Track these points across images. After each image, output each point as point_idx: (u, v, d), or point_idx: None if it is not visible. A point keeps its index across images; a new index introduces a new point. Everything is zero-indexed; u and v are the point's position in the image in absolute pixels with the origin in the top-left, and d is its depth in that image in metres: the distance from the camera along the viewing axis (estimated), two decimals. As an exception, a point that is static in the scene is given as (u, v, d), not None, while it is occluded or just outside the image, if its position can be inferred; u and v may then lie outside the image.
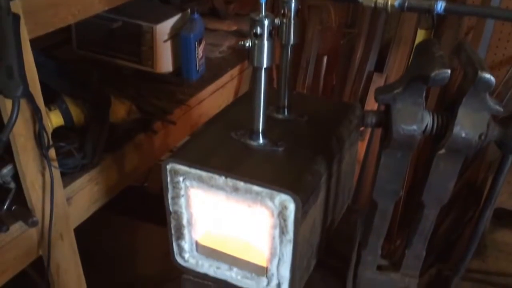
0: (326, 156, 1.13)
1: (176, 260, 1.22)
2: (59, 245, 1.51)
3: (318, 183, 1.10)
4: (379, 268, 1.14)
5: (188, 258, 1.21)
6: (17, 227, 1.38)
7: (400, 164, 0.99)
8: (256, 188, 1.02)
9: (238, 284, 1.18)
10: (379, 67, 2.25)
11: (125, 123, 1.61)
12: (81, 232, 1.64)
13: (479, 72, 0.85)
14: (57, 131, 1.48)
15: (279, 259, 1.09)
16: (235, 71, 2.15)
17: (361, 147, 2.20)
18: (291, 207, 1.01)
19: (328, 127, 1.22)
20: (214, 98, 2.03)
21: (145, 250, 2.28)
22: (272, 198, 1.02)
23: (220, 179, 1.05)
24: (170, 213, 1.15)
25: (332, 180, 1.19)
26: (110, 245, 2.30)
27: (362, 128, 2.08)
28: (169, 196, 1.13)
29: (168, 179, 1.11)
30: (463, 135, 0.89)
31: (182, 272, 1.24)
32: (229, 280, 1.18)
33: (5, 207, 1.32)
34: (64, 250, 1.54)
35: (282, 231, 1.05)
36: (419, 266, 1.12)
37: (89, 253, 1.73)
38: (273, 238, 1.07)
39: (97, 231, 2.29)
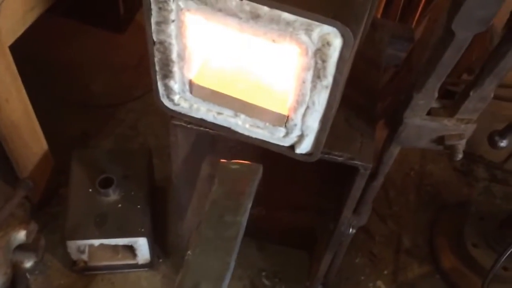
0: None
1: (162, 103, 0.91)
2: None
3: (366, 6, 0.77)
4: (429, 112, 0.89)
5: (179, 101, 0.90)
6: None
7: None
8: (286, 16, 0.69)
9: (245, 133, 0.91)
10: None
11: None
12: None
13: None
14: None
15: (307, 108, 0.81)
16: None
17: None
18: (337, 43, 0.70)
19: None
20: None
21: (99, 63, 1.91)
22: (309, 31, 0.70)
23: (233, 1, 0.70)
24: (154, 43, 0.81)
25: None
26: (58, 55, 1.91)
27: None
28: (153, 20, 0.77)
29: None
30: None
31: (161, 107, 0.93)
32: (234, 128, 0.91)
33: None
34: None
35: (318, 75, 0.75)
36: (481, 109, 0.87)
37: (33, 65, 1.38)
38: (303, 82, 0.77)
39: (43, 39, 1.89)
